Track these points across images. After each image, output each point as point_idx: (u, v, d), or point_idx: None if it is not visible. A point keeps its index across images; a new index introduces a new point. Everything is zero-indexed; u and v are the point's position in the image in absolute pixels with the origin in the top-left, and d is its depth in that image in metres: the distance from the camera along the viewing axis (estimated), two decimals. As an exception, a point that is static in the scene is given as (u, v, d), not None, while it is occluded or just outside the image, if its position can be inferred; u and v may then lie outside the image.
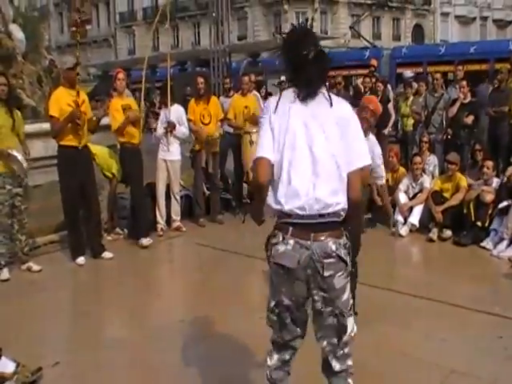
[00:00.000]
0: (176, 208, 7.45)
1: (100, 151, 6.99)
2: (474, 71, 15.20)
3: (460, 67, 9.71)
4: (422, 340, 4.16)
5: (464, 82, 8.80)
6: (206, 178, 7.95)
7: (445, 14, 46.66)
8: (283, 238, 2.54)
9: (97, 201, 6.48)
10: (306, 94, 2.56)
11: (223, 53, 14.55)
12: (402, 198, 7.19)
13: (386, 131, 9.26)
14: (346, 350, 2.65)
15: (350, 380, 2.68)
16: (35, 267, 5.89)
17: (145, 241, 6.69)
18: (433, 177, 7.61)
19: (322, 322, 2.61)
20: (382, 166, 4.66)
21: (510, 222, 6.14)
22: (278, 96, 2.64)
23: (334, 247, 2.50)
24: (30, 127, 6.46)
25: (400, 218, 7.09)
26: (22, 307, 4.92)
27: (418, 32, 44.87)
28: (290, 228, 2.52)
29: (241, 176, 8.04)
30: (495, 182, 6.82)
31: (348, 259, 2.56)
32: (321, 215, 2.50)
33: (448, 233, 6.68)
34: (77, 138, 5.97)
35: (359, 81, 12.44)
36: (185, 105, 7.85)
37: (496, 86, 9.08)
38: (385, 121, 9.18)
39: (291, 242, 2.52)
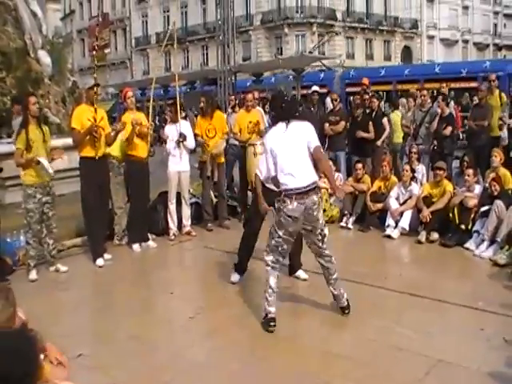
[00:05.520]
0: (187, 214, 7.46)
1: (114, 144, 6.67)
2: (407, 90, 16.10)
3: (444, 84, 9.74)
4: (411, 333, 4.17)
5: (440, 97, 8.80)
6: (214, 187, 7.97)
7: (430, 37, 47.03)
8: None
9: (107, 208, 6.55)
10: None
11: (229, 72, 14.59)
12: (394, 203, 7.19)
13: (378, 143, 9.07)
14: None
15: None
16: (62, 268, 5.95)
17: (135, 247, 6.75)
18: (421, 184, 7.63)
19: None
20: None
21: (489, 224, 6.17)
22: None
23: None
24: (54, 142, 6.49)
25: (392, 222, 7.11)
26: (48, 304, 4.96)
27: (407, 53, 45.09)
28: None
29: (245, 184, 7.99)
30: (477, 188, 6.84)
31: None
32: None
33: (435, 235, 6.70)
34: (94, 150, 6.06)
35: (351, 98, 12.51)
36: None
37: (476, 102, 9.14)
38: (379, 133, 9.02)
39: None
